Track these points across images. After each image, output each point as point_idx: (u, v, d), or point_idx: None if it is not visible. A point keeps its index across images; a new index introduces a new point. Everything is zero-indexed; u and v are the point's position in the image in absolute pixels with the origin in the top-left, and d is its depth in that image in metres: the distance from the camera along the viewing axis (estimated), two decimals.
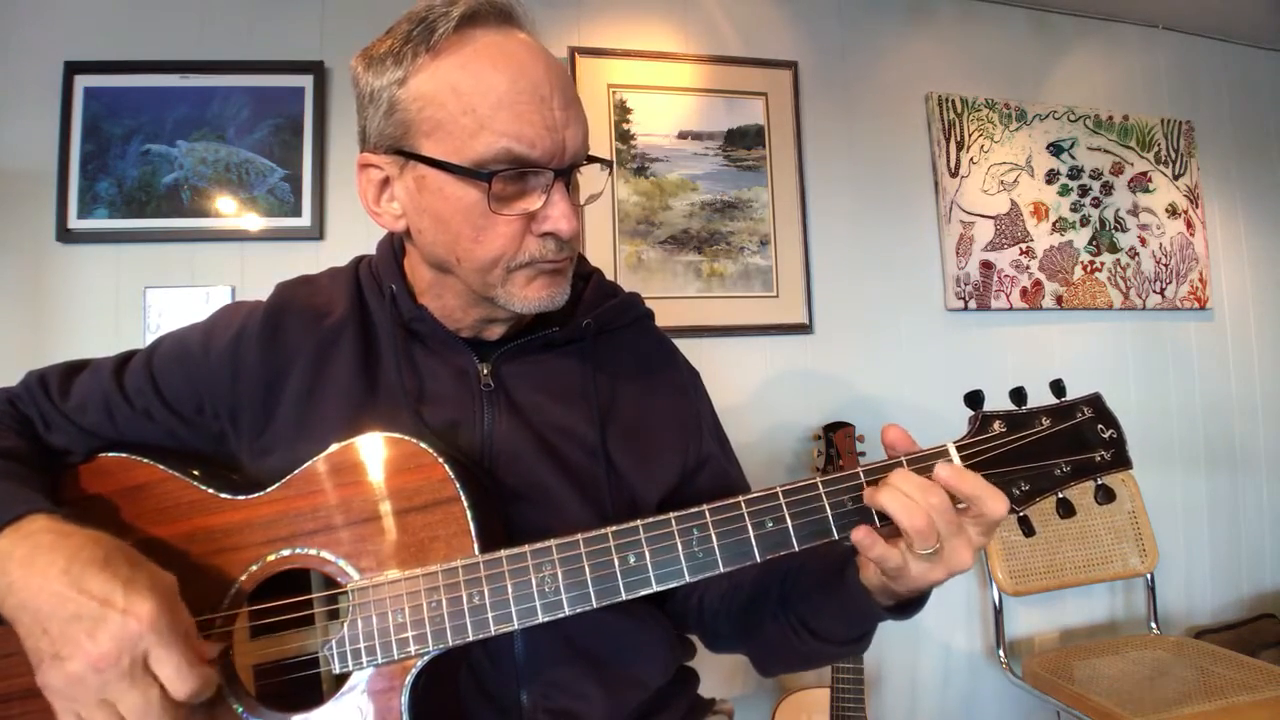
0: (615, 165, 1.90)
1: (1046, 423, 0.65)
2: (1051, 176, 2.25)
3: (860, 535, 0.60)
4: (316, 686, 0.68)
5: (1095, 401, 0.66)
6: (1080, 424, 0.65)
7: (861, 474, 0.63)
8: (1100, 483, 0.65)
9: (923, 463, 0.63)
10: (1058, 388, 0.67)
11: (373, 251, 0.85)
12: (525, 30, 0.69)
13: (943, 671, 2.07)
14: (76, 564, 0.55)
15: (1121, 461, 0.65)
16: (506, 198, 0.66)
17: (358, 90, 0.71)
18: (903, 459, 0.63)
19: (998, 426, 0.65)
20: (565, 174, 0.68)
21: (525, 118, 0.64)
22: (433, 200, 0.68)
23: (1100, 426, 0.65)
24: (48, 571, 0.54)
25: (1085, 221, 2.27)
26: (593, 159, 0.72)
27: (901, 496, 0.59)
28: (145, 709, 0.54)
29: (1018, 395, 0.66)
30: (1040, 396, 0.67)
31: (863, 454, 1.73)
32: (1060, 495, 0.65)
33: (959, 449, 0.64)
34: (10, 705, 0.63)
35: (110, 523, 0.61)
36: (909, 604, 0.67)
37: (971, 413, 0.66)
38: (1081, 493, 0.65)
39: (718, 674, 1.87)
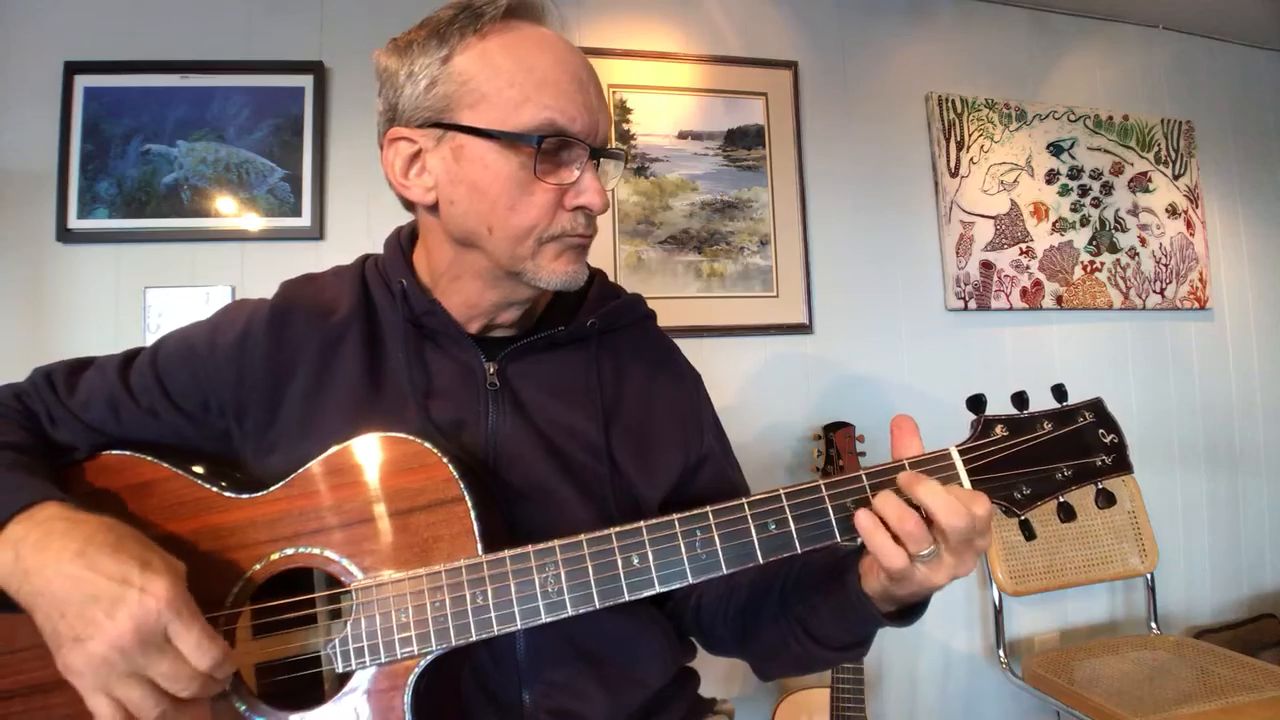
0: (627, 161, 1.90)
1: (1048, 427, 0.65)
2: (1051, 176, 2.25)
3: (862, 519, 0.60)
4: (319, 685, 0.68)
5: (1096, 406, 0.67)
6: (1081, 428, 0.66)
7: (864, 476, 0.63)
8: (1101, 487, 0.66)
9: (925, 466, 0.63)
10: (1059, 392, 0.67)
11: (374, 250, 0.85)
12: (557, 31, 0.74)
13: (943, 671, 2.07)
14: (91, 547, 0.56)
15: (1122, 466, 0.65)
16: (544, 169, 0.69)
17: (385, 74, 0.73)
18: (904, 462, 0.63)
19: (1000, 430, 0.65)
20: (596, 155, 0.71)
21: (567, 95, 0.68)
22: (471, 169, 0.70)
23: (1101, 431, 0.66)
24: (62, 555, 0.55)
25: (1085, 221, 2.27)
26: (613, 153, 0.76)
27: (898, 505, 0.59)
28: (177, 674, 0.55)
29: (1019, 399, 0.67)
30: (1041, 398, 0.68)
31: (863, 454, 1.73)
32: (1061, 499, 0.65)
33: (961, 453, 0.64)
34: (13, 702, 0.63)
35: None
36: (909, 611, 0.67)
37: (974, 416, 0.66)
38: (1082, 496, 0.65)
39: (718, 674, 1.88)
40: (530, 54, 0.69)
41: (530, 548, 0.63)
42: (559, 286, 0.74)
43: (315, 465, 0.68)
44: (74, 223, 1.68)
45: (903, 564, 0.59)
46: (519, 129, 0.67)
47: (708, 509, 0.63)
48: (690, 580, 0.62)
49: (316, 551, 0.66)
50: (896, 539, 0.59)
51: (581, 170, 0.70)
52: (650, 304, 0.92)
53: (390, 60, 0.72)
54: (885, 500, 0.60)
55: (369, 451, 0.67)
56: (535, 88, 0.67)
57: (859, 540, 0.62)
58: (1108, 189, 2.30)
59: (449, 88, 0.69)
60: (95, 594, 0.54)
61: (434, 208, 0.74)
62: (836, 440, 1.73)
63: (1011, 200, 2.20)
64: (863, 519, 0.60)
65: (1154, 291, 2.31)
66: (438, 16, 0.70)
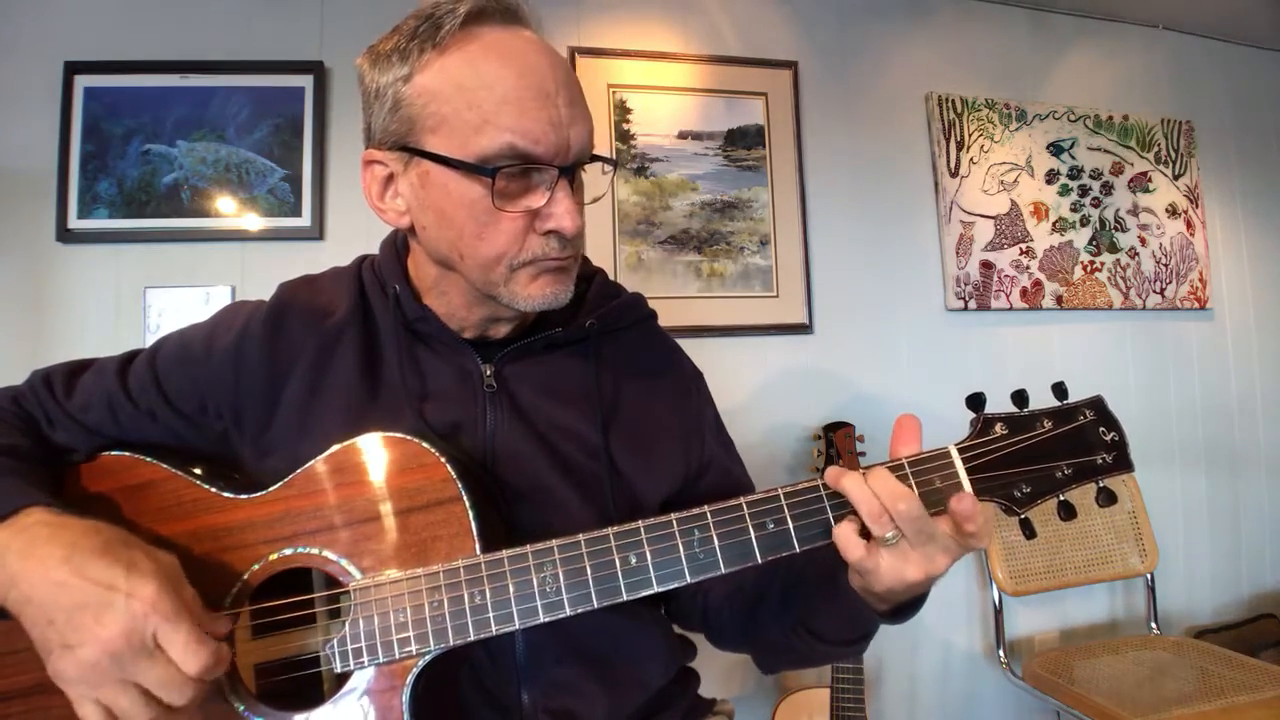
0: (616, 165, 1.90)
1: (1048, 425, 0.65)
2: (1051, 176, 2.25)
3: (840, 532, 0.61)
4: (317, 686, 0.68)
5: (1097, 404, 0.66)
6: (1082, 426, 0.65)
7: (863, 475, 0.63)
8: (1102, 485, 0.65)
9: (924, 465, 0.63)
10: (1059, 390, 0.67)
11: (373, 251, 0.85)
12: (531, 29, 0.69)
13: (943, 671, 2.07)
14: (77, 553, 0.55)
15: (1123, 464, 0.65)
16: (510, 194, 0.66)
17: (363, 87, 0.71)
18: (904, 460, 0.63)
19: (999, 429, 0.65)
20: (569, 172, 0.68)
21: (530, 114, 0.64)
22: (436, 196, 0.68)
23: (1102, 429, 0.65)
24: (47, 562, 0.55)
25: (1085, 221, 2.27)
26: (597, 158, 0.72)
27: (864, 487, 0.59)
28: (169, 681, 0.54)
29: (1019, 398, 0.66)
30: (1041, 398, 0.68)
31: (863, 454, 1.73)
32: (1061, 498, 0.65)
33: (961, 451, 0.64)
34: (11, 704, 0.63)
35: (112, 521, 0.61)
36: (904, 608, 0.68)
37: (973, 415, 0.66)
38: (1082, 495, 0.65)
39: (718, 674, 1.87)
40: (491, 68, 0.64)
41: (528, 548, 0.63)
42: (538, 309, 0.72)
43: (313, 466, 0.68)
44: (74, 223, 1.68)
45: (859, 554, 0.59)
46: (479, 154, 0.64)
47: (706, 508, 0.63)
48: (688, 580, 0.62)
49: (315, 552, 0.66)
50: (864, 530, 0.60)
51: (551, 192, 0.66)
52: (650, 304, 0.92)
53: (366, 70, 0.70)
54: (853, 482, 0.60)
55: (367, 451, 0.67)
56: (495, 108, 0.63)
57: None
58: (1108, 189, 2.30)
59: (412, 110, 0.66)
60: (83, 601, 0.53)
61: (411, 230, 0.73)
62: (836, 440, 1.73)
63: (1011, 200, 2.20)
64: (840, 531, 0.61)
65: (1154, 291, 2.31)
66: (403, 26, 0.67)
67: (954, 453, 0.64)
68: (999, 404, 0.67)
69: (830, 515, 0.62)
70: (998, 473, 0.64)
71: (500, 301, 0.72)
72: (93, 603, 0.53)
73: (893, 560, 0.59)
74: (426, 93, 0.65)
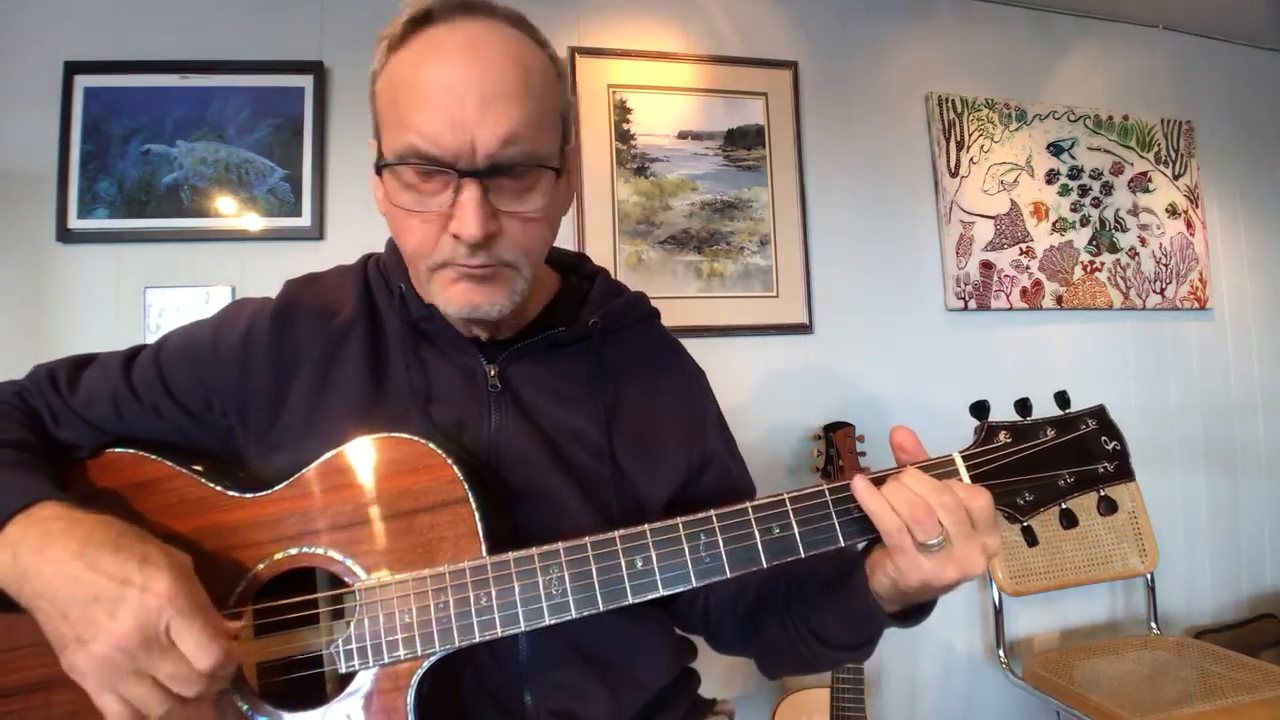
0: (615, 167, 1.89)
1: (1051, 434, 0.66)
2: (1051, 176, 2.25)
3: (858, 484, 0.61)
4: (321, 685, 0.67)
5: (1099, 413, 0.67)
6: (1084, 435, 0.66)
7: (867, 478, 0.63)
8: (1103, 494, 0.66)
9: (929, 472, 0.63)
10: (1062, 399, 0.67)
11: (374, 250, 0.85)
12: (487, 19, 0.66)
13: (943, 671, 2.07)
14: (90, 547, 0.55)
15: (1124, 474, 0.66)
16: (426, 193, 0.66)
17: None
18: (907, 465, 0.63)
19: (1003, 437, 0.66)
20: (480, 175, 0.64)
21: (432, 114, 0.62)
22: (381, 192, 0.71)
23: (1104, 438, 0.66)
24: (61, 556, 0.55)
25: (1085, 221, 2.27)
26: (546, 165, 0.67)
27: (904, 490, 0.59)
28: (180, 675, 0.54)
29: (1022, 406, 0.67)
30: (1041, 399, 0.68)
31: (863, 454, 1.73)
32: (1064, 506, 0.65)
33: (965, 459, 0.64)
34: (14, 700, 0.63)
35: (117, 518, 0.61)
36: (915, 611, 0.68)
37: (977, 422, 0.66)
38: (1083, 501, 0.65)
39: (718, 674, 1.87)
40: (419, 67, 0.63)
41: (534, 550, 0.63)
42: (458, 315, 0.72)
43: (319, 465, 0.68)
44: (74, 223, 1.68)
45: (897, 524, 0.59)
46: (395, 155, 0.65)
47: (711, 512, 0.63)
48: (694, 584, 0.62)
49: (320, 551, 0.66)
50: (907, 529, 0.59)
51: (456, 194, 0.64)
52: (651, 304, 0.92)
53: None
54: (893, 490, 0.60)
55: (373, 452, 0.67)
56: (408, 108, 0.63)
57: (862, 544, 0.63)
58: (1108, 189, 2.31)
59: (376, 107, 0.69)
60: (96, 594, 0.53)
61: None
62: (836, 440, 1.73)
63: (1011, 200, 2.21)
64: (858, 484, 0.61)
65: (1154, 291, 2.31)
66: (386, 27, 0.68)
67: (958, 459, 0.64)
68: (999, 405, 0.68)
69: (836, 520, 0.63)
70: (1001, 480, 0.64)
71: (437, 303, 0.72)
72: (106, 596, 0.53)
73: (934, 563, 0.59)
74: (382, 92, 0.68)
